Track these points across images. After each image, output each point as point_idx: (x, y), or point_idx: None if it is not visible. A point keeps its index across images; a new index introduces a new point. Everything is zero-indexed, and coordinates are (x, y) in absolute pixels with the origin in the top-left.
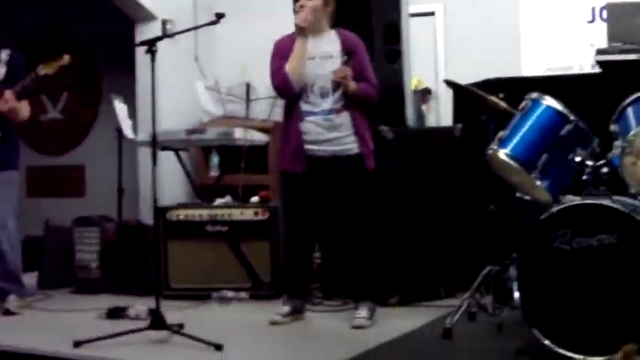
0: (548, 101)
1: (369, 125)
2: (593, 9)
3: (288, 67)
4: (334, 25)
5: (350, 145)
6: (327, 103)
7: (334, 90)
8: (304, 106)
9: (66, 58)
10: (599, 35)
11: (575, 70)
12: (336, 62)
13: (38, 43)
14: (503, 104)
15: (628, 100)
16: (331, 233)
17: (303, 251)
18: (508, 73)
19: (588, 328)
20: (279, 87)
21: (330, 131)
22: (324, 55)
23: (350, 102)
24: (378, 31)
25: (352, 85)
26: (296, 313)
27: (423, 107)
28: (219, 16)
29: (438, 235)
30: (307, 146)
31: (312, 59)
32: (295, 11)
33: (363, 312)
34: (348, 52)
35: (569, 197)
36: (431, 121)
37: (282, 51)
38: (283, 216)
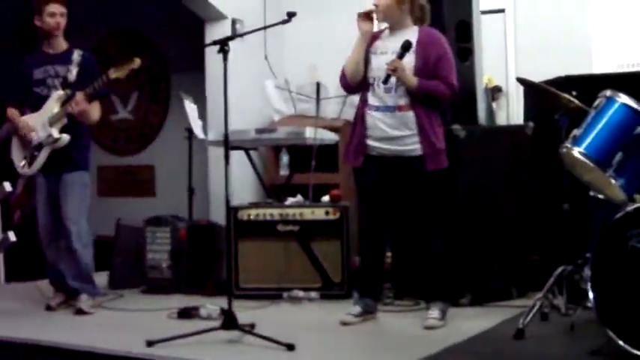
0: (623, 99)
1: (440, 124)
2: None
3: (345, 62)
4: (423, 21)
5: (413, 145)
6: (392, 99)
7: (398, 86)
8: (371, 99)
9: (137, 62)
10: None
11: None
12: (409, 57)
13: (110, 43)
14: (576, 102)
15: None
16: (402, 233)
17: (376, 248)
18: (579, 71)
19: None
20: (342, 83)
21: (395, 129)
22: (397, 50)
23: (415, 99)
24: (450, 29)
25: (409, 79)
26: (367, 313)
27: (494, 105)
28: (291, 15)
29: (510, 234)
30: (372, 143)
31: (384, 54)
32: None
33: (435, 312)
34: (404, 45)
35: None
36: (501, 119)
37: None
38: (358, 210)
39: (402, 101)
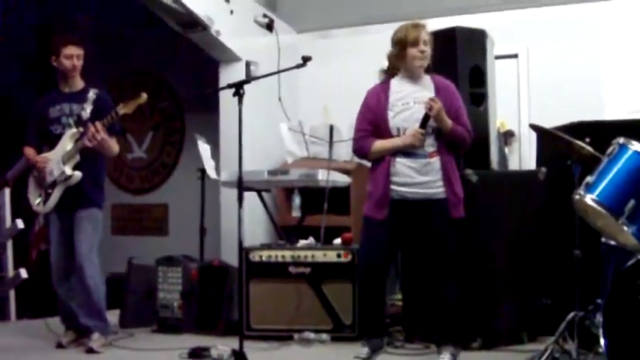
0: (636, 146)
1: (459, 173)
2: None
3: (374, 148)
4: (429, 69)
5: (438, 189)
6: (419, 147)
7: (428, 134)
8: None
9: (144, 97)
10: None
11: None
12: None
13: (126, 83)
14: (589, 149)
15: None
16: (415, 276)
17: (378, 292)
18: (590, 116)
19: None
20: (357, 153)
21: (422, 175)
22: (419, 100)
23: (442, 146)
24: (464, 75)
25: (446, 119)
26: (375, 352)
27: (506, 150)
28: (306, 59)
29: (522, 279)
30: (396, 188)
31: (406, 105)
32: (414, 56)
33: (446, 356)
34: (425, 117)
35: None
36: (513, 164)
37: (371, 103)
38: (361, 251)
39: (432, 148)
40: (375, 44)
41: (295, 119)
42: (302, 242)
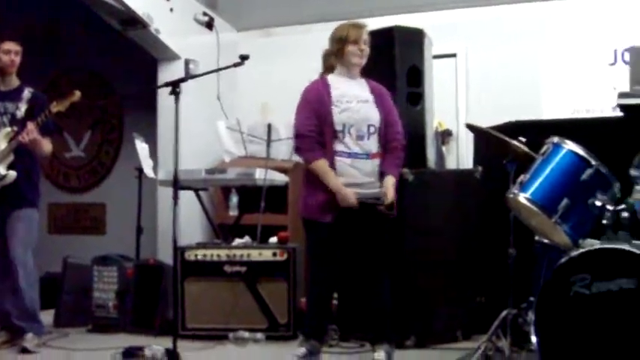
0: (570, 145)
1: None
2: (615, 51)
3: (318, 166)
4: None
5: (376, 189)
6: (362, 147)
7: (370, 134)
8: (339, 147)
9: (77, 95)
10: (620, 78)
11: (597, 114)
12: (371, 107)
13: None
14: (524, 148)
15: None
16: (350, 275)
17: (327, 295)
18: (529, 116)
19: None
20: (300, 154)
21: (365, 175)
22: (361, 99)
23: (383, 149)
24: (402, 74)
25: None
26: (312, 354)
27: (444, 149)
28: (244, 57)
29: (456, 277)
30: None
31: (349, 103)
32: (354, 53)
33: (381, 354)
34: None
35: (589, 241)
36: (451, 163)
37: (313, 99)
38: (308, 261)
39: (373, 150)
40: (315, 43)
41: (235, 118)
42: (238, 241)
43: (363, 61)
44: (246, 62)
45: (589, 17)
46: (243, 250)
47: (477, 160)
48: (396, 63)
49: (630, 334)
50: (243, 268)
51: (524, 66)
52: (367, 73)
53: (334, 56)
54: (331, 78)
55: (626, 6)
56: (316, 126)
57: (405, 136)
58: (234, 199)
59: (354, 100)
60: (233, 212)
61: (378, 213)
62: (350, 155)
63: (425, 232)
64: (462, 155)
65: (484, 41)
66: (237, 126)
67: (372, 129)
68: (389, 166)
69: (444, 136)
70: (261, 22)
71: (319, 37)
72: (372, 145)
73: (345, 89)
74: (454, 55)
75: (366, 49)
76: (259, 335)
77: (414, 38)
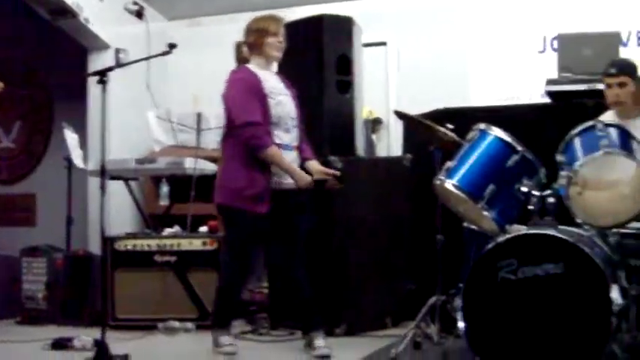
0: (495, 132)
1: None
2: (545, 39)
3: (273, 153)
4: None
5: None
6: (288, 139)
7: (293, 127)
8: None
9: (0, 86)
10: (549, 65)
11: (525, 100)
12: (291, 100)
13: None
14: (451, 135)
15: (575, 131)
16: (279, 264)
17: (240, 285)
18: (459, 104)
19: (533, 357)
20: (251, 143)
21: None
22: (285, 92)
23: (300, 141)
24: (330, 62)
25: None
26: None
27: (374, 137)
28: (171, 46)
29: (386, 264)
30: (276, 179)
31: (279, 95)
32: (274, 46)
33: (322, 341)
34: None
35: (516, 227)
36: (382, 151)
37: (254, 87)
38: (225, 250)
39: (295, 142)
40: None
41: (165, 107)
42: (168, 231)
43: (281, 55)
44: (176, 51)
45: (518, 5)
46: (172, 239)
47: (406, 147)
48: (325, 51)
49: (556, 319)
50: (173, 258)
51: (453, 54)
52: (296, 61)
53: (250, 48)
54: (254, 69)
55: None
56: (262, 114)
57: (333, 123)
58: (165, 189)
59: (281, 93)
60: (164, 202)
61: (300, 202)
62: (280, 146)
63: (354, 219)
64: (392, 143)
65: (414, 30)
66: (166, 115)
67: (294, 122)
68: (310, 154)
69: (375, 124)
70: (191, 11)
71: None
72: (295, 137)
73: (272, 82)
74: (384, 44)
75: (284, 43)
76: (189, 325)
77: (343, 26)
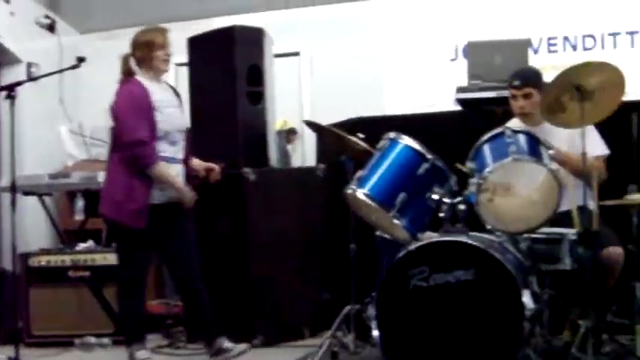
0: (406, 140)
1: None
2: (456, 47)
3: (160, 171)
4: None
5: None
6: (173, 151)
7: (181, 140)
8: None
9: None
10: (461, 73)
11: (438, 108)
12: (180, 112)
13: None
14: (362, 144)
15: (484, 138)
16: (176, 276)
17: (140, 297)
18: (373, 112)
19: None
20: (138, 160)
21: (176, 178)
22: (174, 104)
23: (186, 154)
24: (242, 73)
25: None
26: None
27: (289, 147)
28: (80, 60)
29: (302, 274)
30: (157, 192)
31: (167, 108)
32: (162, 59)
33: (229, 343)
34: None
35: (428, 234)
36: (297, 161)
37: (142, 103)
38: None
39: (181, 155)
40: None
41: (78, 121)
42: (82, 246)
43: (169, 66)
44: (89, 65)
45: (430, 14)
46: (87, 254)
47: (319, 157)
48: (235, 62)
49: (469, 325)
50: (87, 273)
51: (367, 63)
52: (208, 73)
53: (138, 62)
54: (144, 82)
55: (465, 2)
56: (150, 131)
57: (245, 134)
58: (80, 203)
59: (170, 105)
60: (79, 216)
61: (185, 213)
62: (164, 159)
63: (268, 230)
64: (307, 153)
65: (327, 39)
66: (79, 129)
67: (182, 135)
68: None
69: (289, 134)
70: (104, 24)
71: None
72: (180, 149)
73: (160, 94)
74: (297, 54)
75: (171, 54)
76: (105, 340)
77: (254, 37)
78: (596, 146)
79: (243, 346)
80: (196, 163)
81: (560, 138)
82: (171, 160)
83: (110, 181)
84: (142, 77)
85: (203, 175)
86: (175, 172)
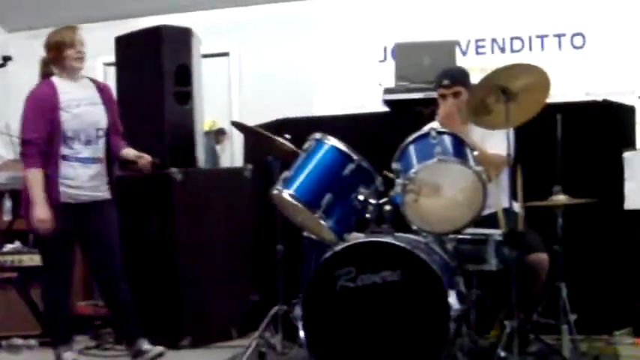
0: (331, 141)
1: None
2: (385, 49)
3: (32, 176)
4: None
5: (104, 192)
6: (90, 152)
7: (98, 138)
8: (65, 151)
9: None
10: (390, 74)
11: (367, 109)
12: (100, 110)
13: None
14: (288, 145)
15: (409, 139)
16: (98, 277)
17: (64, 299)
18: (303, 113)
19: None
20: (23, 158)
21: (89, 179)
22: (90, 101)
23: (108, 153)
24: (170, 73)
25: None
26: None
27: (218, 148)
28: (5, 59)
29: (230, 276)
30: (70, 191)
31: (79, 107)
32: (73, 57)
33: (149, 345)
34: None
35: (354, 235)
36: (226, 161)
37: (45, 105)
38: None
39: (100, 154)
40: (86, 43)
41: (5, 121)
42: (9, 246)
43: (83, 64)
44: (16, 64)
45: (360, 15)
46: (14, 255)
47: (247, 158)
48: (163, 62)
49: (396, 326)
50: (14, 274)
51: (296, 64)
52: (135, 73)
53: (52, 63)
54: (57, 81)
55: (394, 4)
56: (44, 133)
57: (172, 135)
58: (8, 204)
59: (83, 103)
60: (6, 217)
61: (106, 212)
62: (78, 160)
63: (196, 231)
64: (236, 154)
65: (257, 40)
66: (6, 129)
67: (100, 132)
68: (123, 145)
69: (218, 135)
70: (31, 22)
71: (88, 38)
72: (100, 149)
73: (73, 93)
74: (227, 54)
75: (84, 51)
76: (33, 342)
77: (182, 37)
78: (498, 145)
79: (159, 348)
80: (128, 151)
81: (476, 136)
82: (86, 160)
83: (24, 183)
84: (57, 77)
85: (135, 162)
86: (91, 173)
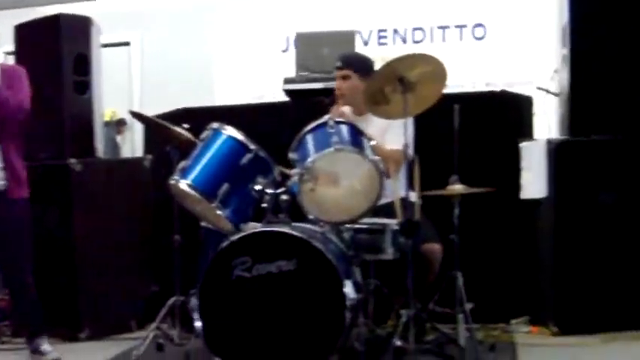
0: (229, 131)
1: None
2: (287, 39)
3: None
4: None
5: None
6: None
7: None
8: None
9: None
10: (292, 64)
11: (268, 99)
12: None
13: None
14: (186, 134)
15: (306, 129)
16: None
17: None
18: (204, 103)
19: (270, 353)
20: None
21: None
22: None
23: (3, 135)
24: (68, 63)
25: None
26: None
27: (119, 138)
28: None
29: (128, 267)
30: None
31: None
32: None
33: (48, 346)
34: None
35: (251, 225)
36: (127, 152)
37: None
38: None
39: None
40: None
41: None
42: None
43: None
44: None
45: (262, 5)
46: None
47: (147, 148)
48: (61, 51)
49: (292, 315)
50: None
51: (198, 54)
52: (33, 62)
53: None
54: None
55: None
56: None
57: (71, 125)
58: None
59: None
60: None
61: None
62: None
63: (94, 222)
64: (137, 144)
65: (159, 30)
66: None
67: None
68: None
69: (119, 125)
70: None
71: None
72: None
73: None
74: (128, 44)
75: None
76: None
77: (80, 26)
78: (396, 140)
79: (56, 354)
80: None
81: (376, 130)
82: None
83: None
84: None
85: None
86: None
